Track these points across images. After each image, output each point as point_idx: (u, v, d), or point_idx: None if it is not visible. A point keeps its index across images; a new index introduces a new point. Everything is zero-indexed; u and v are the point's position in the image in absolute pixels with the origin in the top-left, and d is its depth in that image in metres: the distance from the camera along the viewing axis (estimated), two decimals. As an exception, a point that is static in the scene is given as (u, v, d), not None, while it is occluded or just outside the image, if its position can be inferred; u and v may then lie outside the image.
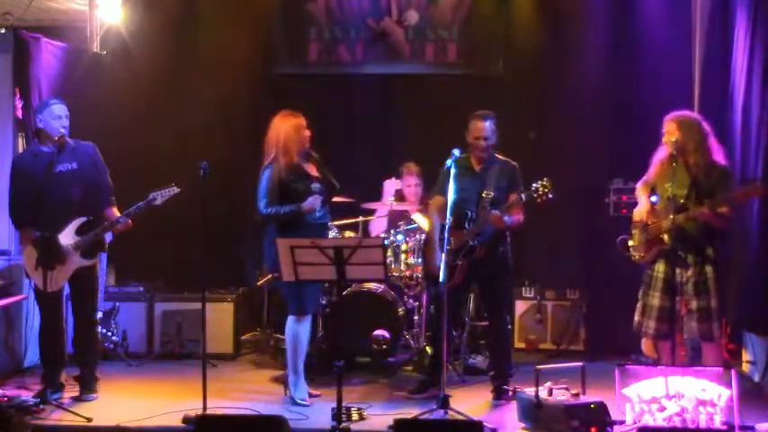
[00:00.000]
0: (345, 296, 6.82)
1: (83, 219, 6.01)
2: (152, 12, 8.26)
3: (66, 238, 5.96)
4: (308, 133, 6.11)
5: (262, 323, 7.98)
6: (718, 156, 5.73)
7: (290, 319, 6.08)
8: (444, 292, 5.74)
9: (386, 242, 6.84)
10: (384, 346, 6.90)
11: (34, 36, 7.16)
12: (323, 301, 6.89)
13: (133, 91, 8.01)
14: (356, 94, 8.56)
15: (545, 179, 5.85)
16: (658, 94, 7.34)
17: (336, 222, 7.04)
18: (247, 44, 8.33)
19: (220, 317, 7.45)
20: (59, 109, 6.00)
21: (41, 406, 5.75)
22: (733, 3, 6.92)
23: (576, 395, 5.29)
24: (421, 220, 7.08)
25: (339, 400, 5.16)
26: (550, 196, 5.84)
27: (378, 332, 6.90)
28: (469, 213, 6.09)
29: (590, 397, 5.31)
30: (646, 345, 6.36)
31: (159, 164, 7.81)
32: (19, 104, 7.01)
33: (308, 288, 5.97)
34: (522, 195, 5.91)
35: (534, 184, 5.87)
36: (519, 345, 7.71)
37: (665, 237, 5.68)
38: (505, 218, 6.00)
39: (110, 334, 7.24)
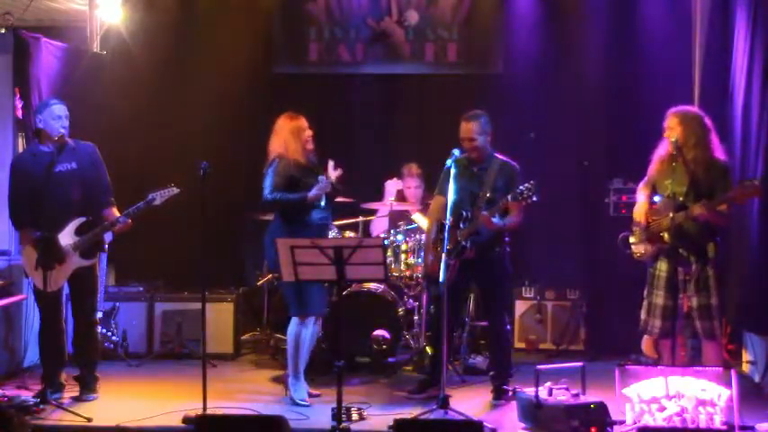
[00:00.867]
0: (345, 296, 6.82)
1: (82, 219, 6.01)
2: (152, 12, 8.27)
3: (66, 238, 5.96)
4: (309, 134, 6.11)
5: (262, 323, 7.98)
6: (719, 152, 5.72)
7: (293, 321, 6.08)
8: (444, 292, 5.74)
9: (386, 242, 6.84)
10: (384, 346, 6.90)
11: (34, 36, 7.16)
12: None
13: (133, 91, 8.01)
14: (356, 94, 8.56)
15: (531, 182, 5.84)
16: (658, 93, 7.34)
17: (337, 222, 7.04)
18: (247, 44, 8.33)
19: (220, 317, 7.45)
20: (59, 109, 5.99)
21: (41, 406, 5.74)
22: (733, 3, 6.92)
23: (576, 395, 5.29)
24: (421, 221, 7.09)
25: (339, 400, 5.16)
26: (534, 199, 5.83)
27: (378, 332, 6.90)
28: (464, 213, 6.08)
29: (590, 397, 5.30)
30: (646, 344, 6.36)
31: (159, 164, 7.81)
32: (19, 104, 7.00)
33: (311, 289, 5.96)
34: (509, 197, 5.91)
35: (520, 187, 5.86)
36: (519, 345, 7.71)
37: (666, 235, 5.67)
38: (494, 219, 5.99)
39: (110, 334, 7.25)
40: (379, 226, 7.69)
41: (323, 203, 6.03)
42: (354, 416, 5.55)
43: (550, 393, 5.35)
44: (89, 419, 5.57)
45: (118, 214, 6.05)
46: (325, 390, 6.23)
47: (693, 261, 5.66)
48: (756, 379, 6.46)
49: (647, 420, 5.19)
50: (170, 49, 8.25)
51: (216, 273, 7.85)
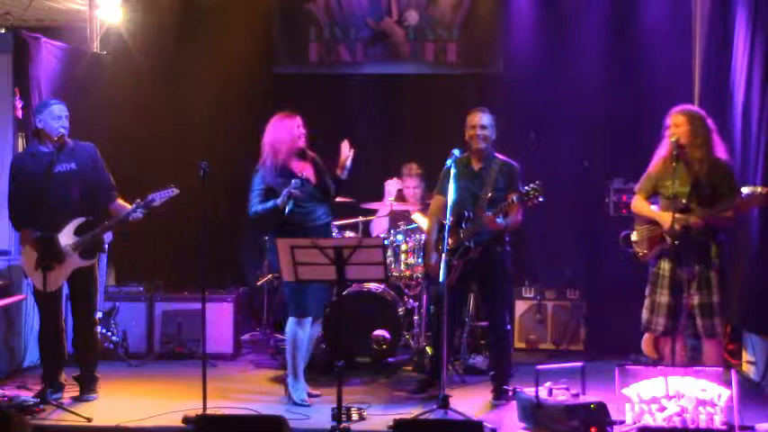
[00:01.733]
0: (345, 296, 6.82)
1: (81, 219, 6.00)
2: (152, 12, 8.27)
3: (65, 238, 5.96)
4: (301, 132, 6.09)
5: (262, 323, 7.98)
6: (722, 152, 5.72)
7: (291, 321, 6.08)
8: (445, 292, 5.74)
9: (386, 242, 6.84)
10: (384, 346, 6.90)
11: (34, 36, 7.16)
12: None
13: (133, 91, 8.02)
14: (356, 94, 8.57)
15: (536, 182, 5.84)
16: (658, 93, 7.34)
17: (337, 222, 7.04)
18: (247, 44, 8.33)
19: (220, 317, 7.45)
20: (59, 109, 5.99)
21: (41, 406, 5.74)
22: (733, 3, 6.92)
23: (576, 395, 5.29)
24: (421, 221, 7.09)
25: (339, 400, 5.16)
26: (540, 200, 5.83)
27: (378, 332, 6.90)
28: (466, 214, 6.08)
29: (590, 397, 5.30)
30: (646, 344, 6.36)
31: (159, 164, 7.81)
32: (19, 104, 7.00)
33: (309, 290, 5.96)
34: (514, 197, 5.91)
35: (525, 188, 5.86)
36: (519, 345, 7.71)
37: (668, 237, 5.66)
38: (498, 219, 5.99)
39: (110, 334, 7.24)
40: (379, 226, 7.69)
41: (289, 208, 5.90)
42: (354, 416, 5.55)
43: (550, 393, 5.35)
44: (89, 419, 5.57)
45: (128, 206, 6.04)
46: (325, 390, 6.22)
47: (696, 260, 5.65)
48: (756, 379, 6.45)
49: (647, 420, 5.19)
50: (170, 49, 8.25)
51: (216, 273, 7.87)
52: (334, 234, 6.75)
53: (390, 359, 7.03)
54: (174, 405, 5.79)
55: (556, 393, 5.34)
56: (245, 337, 8.03)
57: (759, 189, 5.58)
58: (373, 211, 7.68)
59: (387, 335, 6.90)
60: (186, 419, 5.47)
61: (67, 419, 5.59)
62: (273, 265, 6.00)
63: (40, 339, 6.20)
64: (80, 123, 6.30)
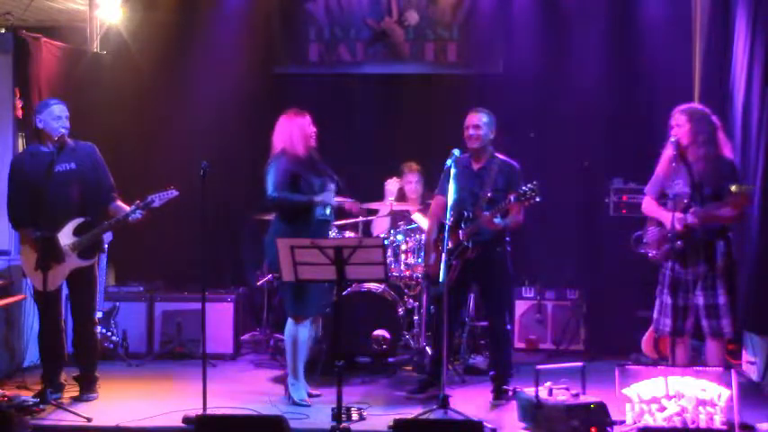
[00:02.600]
0: (345, 296, 6.82)
1: (80, 219, 6.00)
2: (152, 12, 8.27)
3: (64, 238, 5.95)
4: (313, 130, 6.12)
5: (262, 323, 7.98)
6: (727, 150, 5.70)
7: (289, 322, 6.09)
8: (445, 292, 5.74)
9: (386, 242, 6.84)
10: (384, 346, 6.90)
11: (34, 36, 7.16)
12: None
13: (133, 91, 8.02)
14: (356, 94, 8.56)
15: (534, 182, 5.84)
16: (658, 93, 7.35)
17: (338, 222, 7.04)
18: (247, 44, 8.33)
19: (220, 317, 7.45)
20: (59, 109, 5.99)
21: (41, 406, 5.73)
22: (733, 3, 6.92)
23: (576, 395, 5.29)
24: (421, 220, 7.08)
25: (339, 400, 5.16)
26: (537, 199, 5.83)
27: (378, 332, 6.90)
28: (466, 214, 6.08)
29: (590, 397, 5.30)
30: (646, 344, 6.36)
31: (159, 164, 7.81)
32: (19, 104, 7.01)
33: (308, 291, 5.96)
34: (511, 197, 5.91)
35: (523, 188, 5.86)
36: (519, 345, 7.71)
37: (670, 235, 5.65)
38: (496, 219, 5.99)
39: (110, 334, 7.24)
40: (379, 226, 7.69)
41: (327, 211, 6.04)
42: (354, 416, 5.55)
43: (550, 393, 5.35)
44: (89, 419, 5.57)
45: (126, 207, 6.04)
46: (325, 390, 6.22)
47: (702, 261, 5.63)
48: (756, 379, 6.45)
49: (647, 420, 5.19)
50: (170, 49, 8.24)
51: (216, 273, 7.87)
52: (333, 234, 6.76)
53: (390, 359, 7.02)
54: (174, 405, 5.79)
55: (556, 393, 5.34)
56: (245, 337, 8.03)
57: (746, 188, 5.52)
58: (373, 211, 7.67)
59: (387, 335, 6.90)
60: (186, 419, 5.47)
61: (67, 419, 5.58)
62: (272, 264, 5.98)
63: (40, 339, 6.20)
64: (80, 123, 6.29)
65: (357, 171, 7.71)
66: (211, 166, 5.58)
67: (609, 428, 5.16)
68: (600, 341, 7.55)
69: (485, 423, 5.08)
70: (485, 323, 6.79)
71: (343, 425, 5.22)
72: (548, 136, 8.01)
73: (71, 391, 6.18)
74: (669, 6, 7.84)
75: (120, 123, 7.78)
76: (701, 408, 5.13)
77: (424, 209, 7.10)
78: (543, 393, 5.34)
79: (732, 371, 5.19)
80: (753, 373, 6.55)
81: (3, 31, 7.17)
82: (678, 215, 5.55)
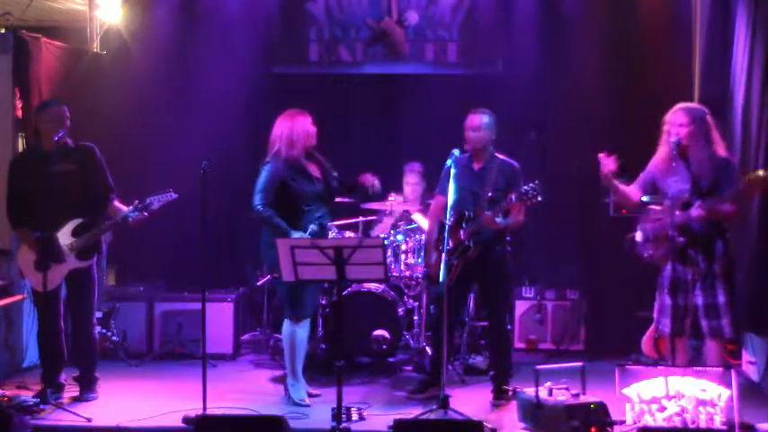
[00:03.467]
0: (345, 296, 6.82)
1: (78, 220, 5.99)
2: (152, 12, 8.26)
3: (63, 238, 5.95)
4: (314, 130, 6.12)
5: (262, 323, 7.98)
6: (722, 149, 5.69)
7: (287, 323, 6.09)
8: (445, 292, 5.74)
9: (386, 242, 6.83)
10: (384, 346, 6.90)
11: (34, 36, 7.16)
12: (323, 301, 6.90)
13: (133, 91, 8.01)
14: (356, 94, 8.57)
15: (535, 182, 5.84)
16: (658, 93, 7.34)
17: (338, 222, 7.04)
18: (247, 44, 8.33)
19: (220, 317, 7.45)
20: (59, 110, 5.99)
21: (41, 406, 5.74)
22: (733, 3, 6.92)
23: (576, 395, 5.29)
24: (421, 220, 7.09)
25: (339, 400, 5.16)
26: (539, 199, 5.83)
27: (378, 332, 6.90)
28: (467, 213, 6.08)
29: (590, 397, 5.30)
30: (646, 344, 6.35)
31: (159, 164, 7.81)
32: (19, 104, 7.00)
33: (305, 292, 5.96)
34: (513, 197, 5.91)
35: (524, 187, 5.86)
36: (519, 345, 7.71)
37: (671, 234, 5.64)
38: (498, 219, 5.99)
39: (110, 334, 7.24)
40: (382, 226, 7.68)
41: (318, 214, 6.04)
42: (354, 416, 5.55)
43: (550, 393, 5.35)
44: (89, 419, 5.57)
45: (125, 208, 6.03)
46: (325, 390, 6.22)
47: (701, 260, 5.63)
48: (756, 379, 6.45)
49: (647, 420, 5.19)
50: (170, 49, 8.24)
51: (216, 273, 7.86)
52: (333, 234, 6.76)
53: (390, 359, 7.03)
54: (174, 405, 5.79)
55: (556, 393, 5.35)
56: (245, 337, 8.03)
57: (760, 172, 5.49)
58: (374, 212, 7.67)
59: (387, 335, 6.90)
60: (186, 419, 5.47)
61: (67, 419, 5.58)
62: (270, 265, 5.97)
63: (39, 340, 6.20)
64: (80, 123, 6.29)
65: (357, 171, 7.70)
66: (211, 165, 5.58)
67: (609, 428, 5.16)
68: (600, 341, 7.55)
69: (485, 423, 5.08)
70: (485, 323, 6.79)
71: (343, 425, 5.23)
72: (548, 136, 8.00)
73: (71, 391, 6.18)
74: (669, 6, 7.84)
75: (119, 123, 7.78)
76: (701, 408, 5.13)
77: (424, 209, 7.10)
78: (543, 393, 5.35)
79: (732, 371, 5.19)
80: (753, 373, 6.54)
81: (3, 31, 7.17)
82: (679, 213, 5.53)
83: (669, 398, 5.18)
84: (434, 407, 5.63)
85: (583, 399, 5.27)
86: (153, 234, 7.40)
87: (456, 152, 6.01)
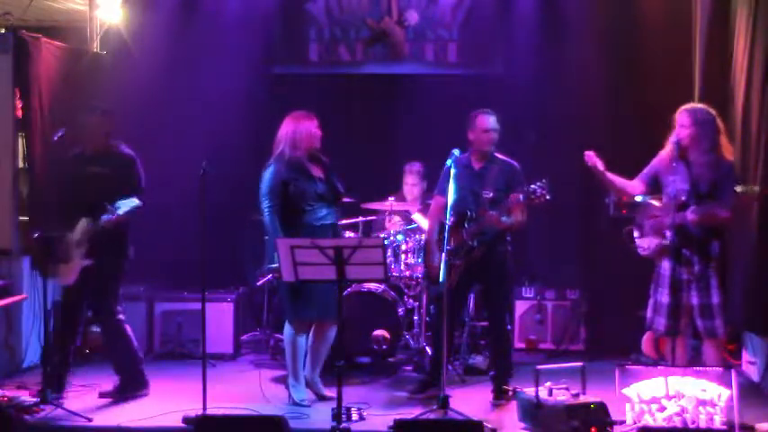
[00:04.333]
0: (345, 296, 6.81)
1: (89, 220, 5.98)
2: (152, 12, 8.26)
3: (75, 237, 5.96)
4: (318, 133, 6.12)
5: (262, 323, 7.98)
6: (728, 153, 5.69)
7: (286, 323, 6.09)
8: (445, 292, 5.74)
9: (386, 242, 6.83)
10: (384, 346, 6.90)
11: (34, 36, 7.16)
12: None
13: (133, 91, 8.00)
14: (356, 94, 8.56)
15: (543, 181, 5.84)
16: (658, 93, 7.34)
17: (342, 222, 7.04)
18: (247, 44, 8.33)
19: (220, 317, 7.45)
20: (100, 119, 6.15)
21: (41, 406, 5.74)
22: (733, 3, 6.92)
23: (576, 395, 5.29)
24: (421, 220, 7.09)
25: (339, 400, 5.17)
26: (547, 198, 5.83)
27: (378, 332, 6.90)
28: (469, 213, 6.09)
29: (590, 397, 5.31)
30: (646, 344, 6.36)
31: (159, 164, 7.78)
32: (19, 104, 7.00)
33: (305, 293, 5.94)
34: (520, 196, 5.91)
35: (532, 186, 5.86)
36: (519, 345, 7.71)
37: (668, 233, 5.65)
38: (503, 218, 5.99)
39: (110, 334, 7.23)
40: (389, 226, 7.68)
41: (322, 213, 6.02)
42: (354, 416, 5.55)
43: (550, 393, 5.36)
44: (89, 419, 5.58)
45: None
46: (325, 390, 6.22)
47: (696, 260, 5.64)
48: (756, 379, 6.45)
49: (647, 420, 5.19)
50: (170, 49, 8.23)
51: (216, 273, 7.85)
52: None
53: (390, 359, 7.03)
54: (174, 405, 5.79)
55: (556, 393, 5.35)
56: (245, 337, 8.03)
57: (756, 188, 5.54)
58: (374, 211, 7.67)
59: (387, 335, 6.90)
60: (186, 419, 5.47)
61: (67, 419, 5.59)
62: (272, 264, 5.97)
63: (54, 338, 6.13)
64: (80, 123, 6.29)
65: (356, 171, 7.71)
66: (211, 166, 5.58)
67: (609, 428, 5.16)
68: (600, 341, 7.56)
69: (485, 423, 5.09)
70: (485, 323, 6.79)
71: (344, 425, 5.23)
72: (548, 136, 8.00)
73: (71, 391, 6.18)
74: (669, 6, 7.84)
75: (119, 123, 7.76)
76: (701, 408, 5.14)
77: (424, 209, 7.10)
78: (543, 393, 5.35)
79: (732, 371, 5.20)
80: (753, 373, 6.54)
81: (3, 31, 7.16)
82: (677, 213, 5.54)
83: (669, 398, 5.19)
84: (434, 407, 5.64)
85: (583, 399, 5.27)
86: (153, 234, 7.40)
87: (456, 152, 6.01)
